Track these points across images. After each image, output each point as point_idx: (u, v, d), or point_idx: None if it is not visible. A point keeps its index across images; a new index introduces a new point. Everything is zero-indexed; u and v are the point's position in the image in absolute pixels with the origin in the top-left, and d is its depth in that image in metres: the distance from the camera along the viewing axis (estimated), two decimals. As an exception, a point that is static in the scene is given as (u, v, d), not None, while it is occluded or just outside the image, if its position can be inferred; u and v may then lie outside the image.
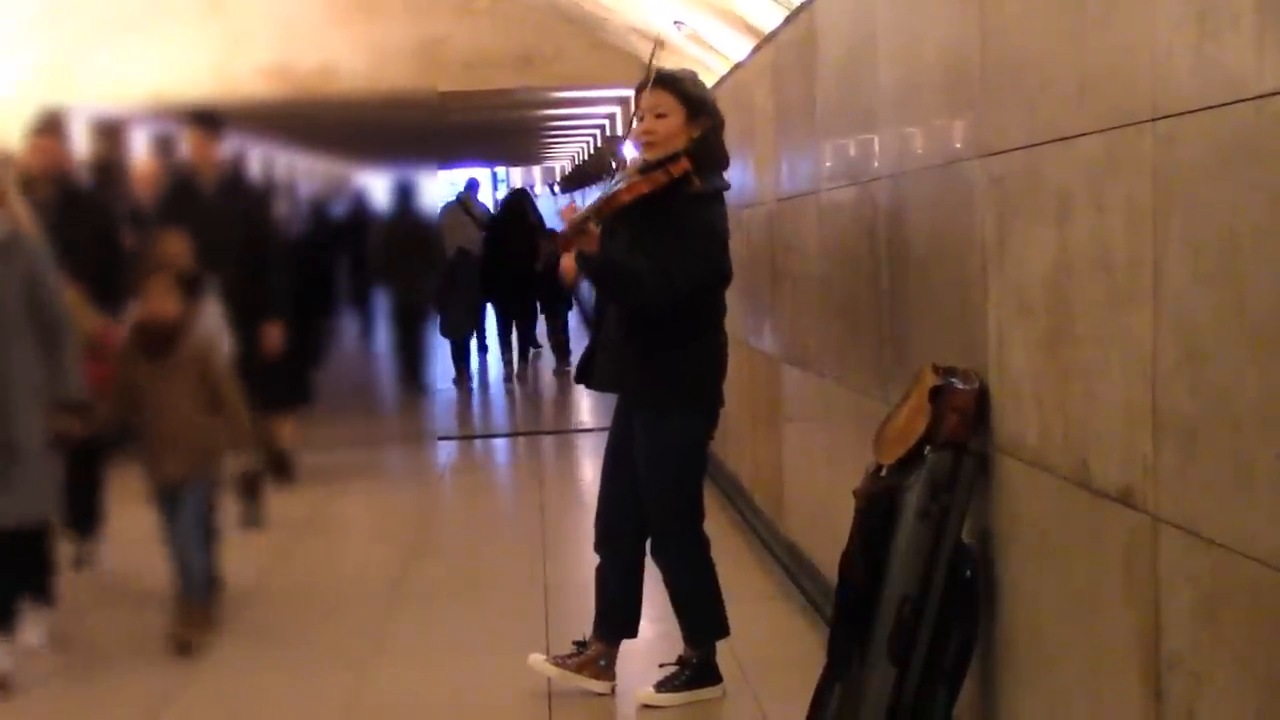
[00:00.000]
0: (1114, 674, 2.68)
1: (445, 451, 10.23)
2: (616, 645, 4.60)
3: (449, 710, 4.62)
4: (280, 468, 8.30)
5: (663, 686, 4.49)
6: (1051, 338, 2.94)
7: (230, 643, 5.45)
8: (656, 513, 4.44)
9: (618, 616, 4.59)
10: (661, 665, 4.54)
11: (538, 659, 4.61)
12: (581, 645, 4.62)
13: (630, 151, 10.62)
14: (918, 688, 3.34)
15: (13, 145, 9.23)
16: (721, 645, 4.61)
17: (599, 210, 4.20)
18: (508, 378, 13.82)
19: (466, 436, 10.86)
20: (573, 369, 4.99)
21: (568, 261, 4.30)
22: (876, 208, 4.35)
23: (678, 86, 4.30)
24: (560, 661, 4.59)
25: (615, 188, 4.22)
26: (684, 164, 4.16)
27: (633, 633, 4.62)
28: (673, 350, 4.31)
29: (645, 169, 4.22)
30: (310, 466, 9.31)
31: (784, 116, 5.85)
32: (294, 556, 6.94)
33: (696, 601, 4.54)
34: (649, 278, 4.17)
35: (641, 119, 4.31)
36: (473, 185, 16.22)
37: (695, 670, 4.50)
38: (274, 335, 7.02)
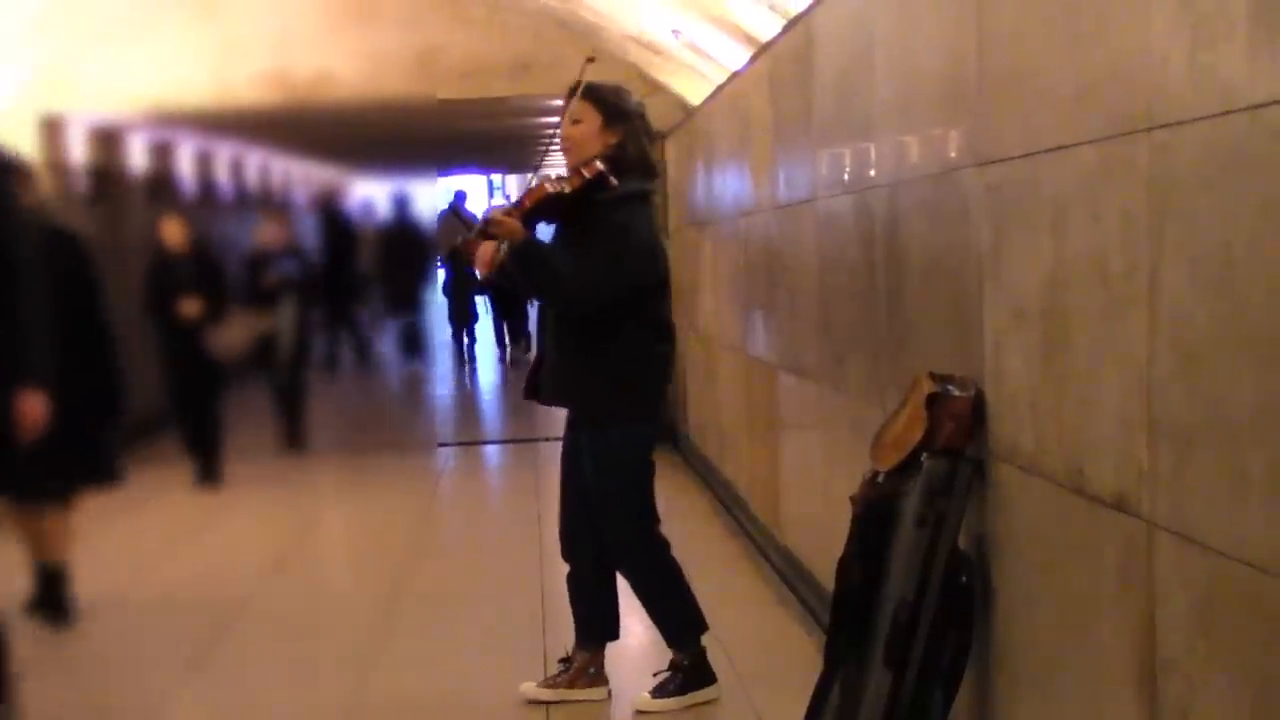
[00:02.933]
0: (1109, 679, 2.70)
1: (444, 458, 10.25)
2: (601, 651, 4.62)
3: (447, 715, 4.64)
4: (47, 597, 5.66)
5: (658, 693, 4.51)
6: (1047, 345, 2.96)
7: (230, 646, 5.46)
8: (610, 523, 4.50)
9: (596, 622, 4.62)
10: (655, 674, 4.56)
11: (529, 687, 4.63)
12: (567, 661, 4.64)
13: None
14: (914, 692, 3.35)
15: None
16: (717, 652, 4.63)
17: (509, 211, 4.37)
18: (501, 359, 17.14)
19: (465, 443, 10.88)
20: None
21: (484, 251, 4.36)
22: (873, 216, 4.37)
23: (594, 94, 4.46)
24: (551, 683, 4.62)
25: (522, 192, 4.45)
26: (596, 166, 4.33)
27: (614, 634, 4.64)
28: (610, 361, 4.39)
29: (561, 177, 4.41)
30: (311, 468, 9.33)
31: (781, 125, 5.87)
32: (294, 561, 6.95)
33: (666, 604, 4.58)
34: (569, 275, 4.29)
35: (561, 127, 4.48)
36: (460, 196, 17.59)
37: (688, 673, 4.52)
38: (34, 409, 4.57)
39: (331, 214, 16.55)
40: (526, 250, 4.30)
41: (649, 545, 4.54)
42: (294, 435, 10.08)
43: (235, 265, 10.10)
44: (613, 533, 4.50)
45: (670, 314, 4.62)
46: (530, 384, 4.61)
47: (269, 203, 14.56)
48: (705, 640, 4.59)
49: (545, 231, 4.53)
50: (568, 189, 4.33)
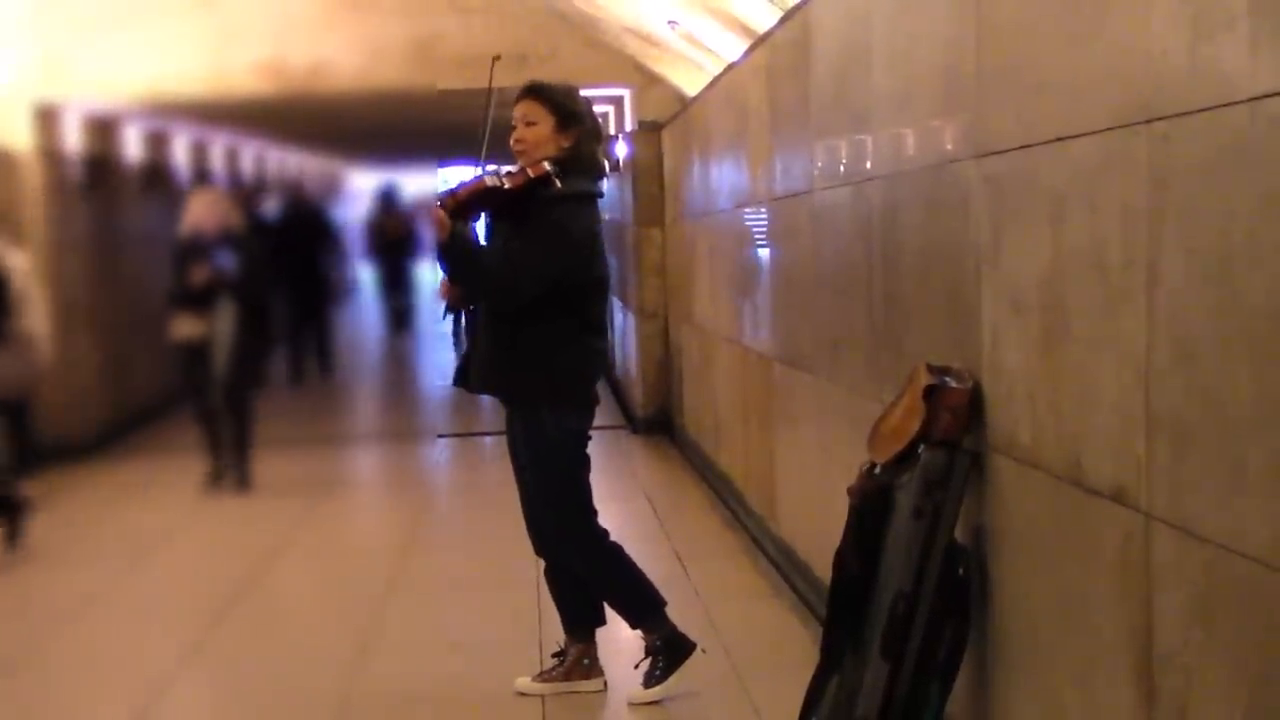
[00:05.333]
0: (1106, 671, 2.70)
1: (443, 448, 10.24)
2: (592, 639, 4.63)
3: (445, 704, 4.64)
4: None
5: (648, 681, 4.52)
6: (1045, 337, 2.96)
7: (227, 635, 5.47)
8: (548, 512, 4.52)
9: (581, 611, 4.63)
10: (636, 666, 4.56)
11: (524, 681, 4.64)
12: (561, 654, 4.65)
13: (623, 150, 10.60)
14: (911, 684, 3.35)
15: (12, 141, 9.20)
16: (714, 643, 4.62)
17: (444, 202, 4.38)
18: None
19: (464, 434, 10.88)
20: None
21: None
22: (871, 208, 4.37)
23: (548, 96, 4.47)
24: (546, 676, 4.63)
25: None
26: (542, 167, 4.36)
27: (601, 620, 4.64)
28: (542, 351, 4.41)
29: (509, 173, 4.43)
30: (309, 458, 9.33)
31: (778, 116, 5.86)
32: (291, 550, 6.95)
33: (618, 588, 4.60)
34: (495, 269, 4.32)
35: (514, 128, 4.47)
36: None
37: (666, 652, 4.52)
38: None
39: (299, 205, 16.03)
40: (450, 244, 4.32)
41: (587, 533, 4.55)
42: (239, 470, 8.26)
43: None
44: (551, 522, 4.53)
45: (606, 313, 4.64)
46: (460, 373, 4.63)
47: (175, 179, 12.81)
48: (701, 637, 4.59)
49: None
50: (508, 184, 4.35)
